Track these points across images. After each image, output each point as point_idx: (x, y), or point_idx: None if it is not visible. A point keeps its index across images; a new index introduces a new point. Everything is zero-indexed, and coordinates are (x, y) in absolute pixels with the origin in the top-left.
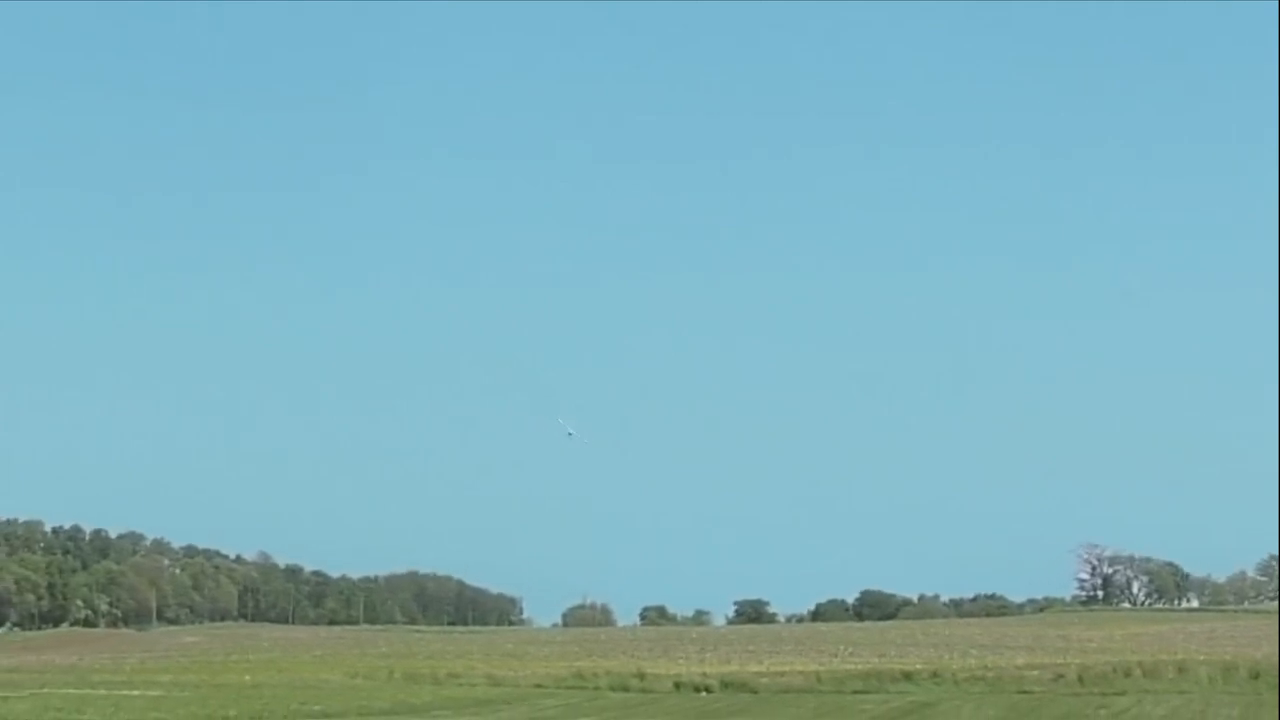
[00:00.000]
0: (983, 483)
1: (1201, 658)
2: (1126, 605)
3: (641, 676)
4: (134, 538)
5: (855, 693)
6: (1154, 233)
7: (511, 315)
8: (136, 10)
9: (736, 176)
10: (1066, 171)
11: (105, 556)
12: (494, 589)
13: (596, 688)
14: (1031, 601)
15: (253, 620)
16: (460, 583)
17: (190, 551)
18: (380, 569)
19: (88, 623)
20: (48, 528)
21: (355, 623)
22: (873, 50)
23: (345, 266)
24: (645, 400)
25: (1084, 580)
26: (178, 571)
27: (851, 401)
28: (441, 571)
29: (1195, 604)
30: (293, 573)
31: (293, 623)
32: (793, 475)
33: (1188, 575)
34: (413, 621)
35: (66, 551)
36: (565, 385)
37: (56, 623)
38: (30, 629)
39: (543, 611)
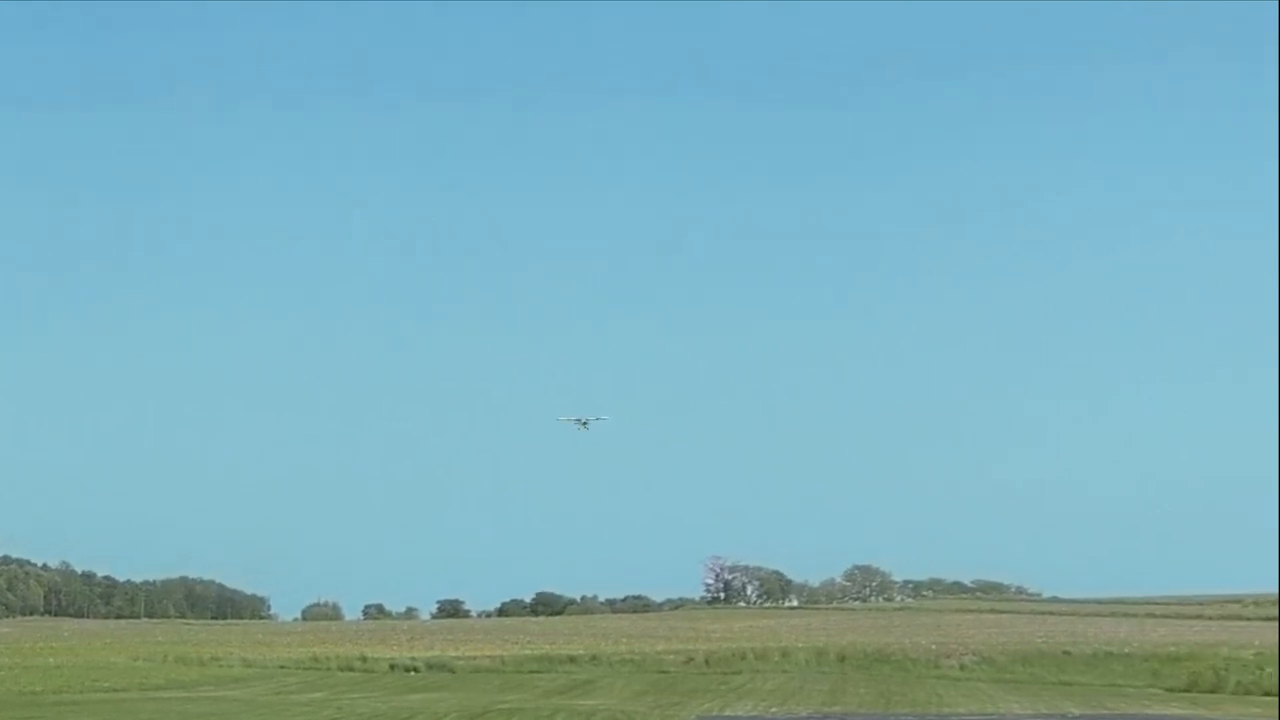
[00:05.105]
0: (630, 500)
1: (800, 645)
2: (743, 604)
3: (364, 659)
4: None
5: (532, 672)
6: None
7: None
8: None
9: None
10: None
11: None
12: (247, 590)
13: (328, 668)
14: (669, 600)
15: (56, 615)
16: (221, 585)
17: (6, 560)
18: (158, 574)
19: None
20: None
21: (137, 617)
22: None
23: None
24: (379, 423)
25: (710, 584)
26: None
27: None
28: (206, 576)
29: (796, 603)
30: (88, 577)
31: (88, 617)
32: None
33: (790, 581)
34: (183, 616)
35: None
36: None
37: None
38: None
39: (286, 608)
